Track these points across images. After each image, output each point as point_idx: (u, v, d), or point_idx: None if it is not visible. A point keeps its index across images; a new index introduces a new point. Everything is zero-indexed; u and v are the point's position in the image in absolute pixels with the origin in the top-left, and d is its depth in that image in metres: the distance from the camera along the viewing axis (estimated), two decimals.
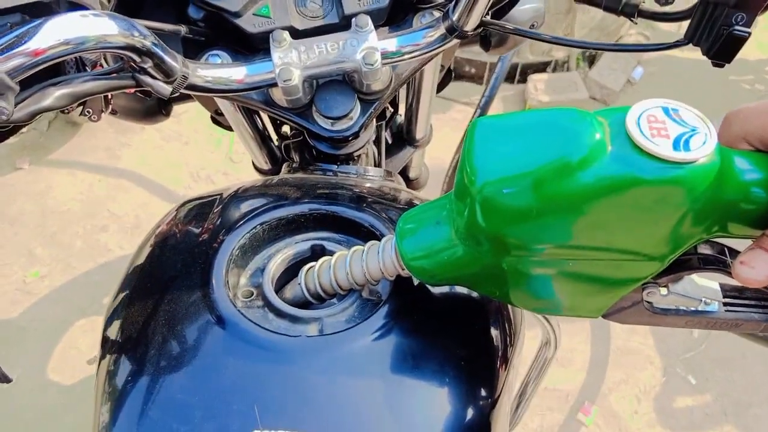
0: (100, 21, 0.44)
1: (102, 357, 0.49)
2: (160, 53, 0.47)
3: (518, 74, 2.40)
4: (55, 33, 0.41)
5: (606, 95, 2.35)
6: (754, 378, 1.65)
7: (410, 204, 0.60)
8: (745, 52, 2.66)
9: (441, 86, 0.87)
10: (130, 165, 2.14)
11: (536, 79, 2.34)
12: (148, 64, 0.47)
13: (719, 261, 0.39)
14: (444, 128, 2.23)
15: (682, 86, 2.41)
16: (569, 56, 2.44)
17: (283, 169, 0.83)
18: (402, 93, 0.85)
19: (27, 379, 1.63)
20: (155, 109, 0.72)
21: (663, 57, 2.55)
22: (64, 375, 1.65)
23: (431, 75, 0.75)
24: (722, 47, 0.43)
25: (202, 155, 2.18)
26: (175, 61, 0.49)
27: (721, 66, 0.45)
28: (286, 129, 0.87)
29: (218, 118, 0.83)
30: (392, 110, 0.89)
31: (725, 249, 0.40)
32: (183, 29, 0.58)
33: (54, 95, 0.45)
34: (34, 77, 0.42)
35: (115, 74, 0.48)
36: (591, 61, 2.48)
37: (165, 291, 0.48)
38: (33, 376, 1.64)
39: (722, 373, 1.66)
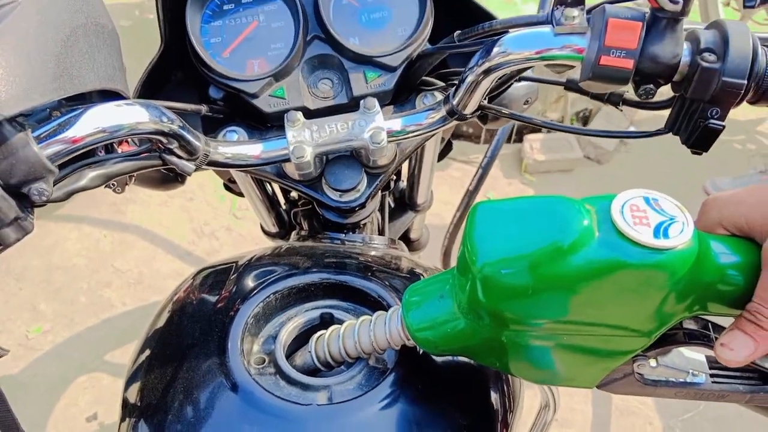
0: (133, 110, 0.48)
1: (122, 420, 0.51)
2: (186, 135, 0.52)
3: (514, 134, 2.47)
4: (93, 122, 0.46)
5: (600, 155, 2.42)
6: None
7: (413, 273, 0.63)
8: (736, 113, 2.73)
9: (442, 155, 0.91)
10: (135, 220, 2.18)
11: (532, 139, 2.41)
12: (174, 145, 0.52)
13: (703, 336, 0.42)
14: (442, 186, 2.28)
15: (673, 147, 2.46)
16: (564, 117, 2.51)
17: (292, 236, 0.87)
18: (405, 162, 0.90)
19: None
20: (172, 177, 0.76)
21: (655, 117, 2.62)
22: None
23: (433, 147, 0.80)
24: (699, 138, 0.48)
25: (206, 211, 2.22)
26: (198, 140, 0.54)
27: (699, 154, 0.49)
28: (294, 195, 0.91)
29: (230, 185, 0.88)
30: (395, 178, 0.94)
31: (709, 324, 0.43)
32: (204, 108, 0.63)
33: (89, 176, 0.48)
34: (69, 159, 0.46)
35: (143, 154, 0.52)
36: (585, 122, 2.56)
37: (183, 357, 0.50)
38: None
39: None
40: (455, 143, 1.03)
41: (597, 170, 2.41)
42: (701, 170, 2.36)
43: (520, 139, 2.47)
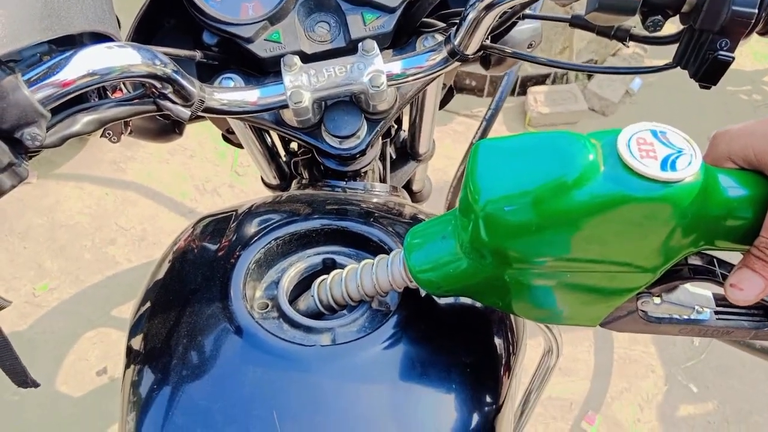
0: (125, 52, 0.47)
1: (126, 367, 0.51)
2: (180, 80, 0.50)
3: (518, 87, 2.44)
4: (84, 64, 0.44)
5: (605, 106, 2.38)
6: (754, 385, 1.67)
7: (415, 218, 0.62)
8: (742, 63, 2.69)
9: (443, 103, 0.90)
10: (137, 178, 2.17)
11: (536, 92, 2.38)
12: (168, 90, 0.50)
13: (709, 271, 0.42)
14: (446, 140, 2.26)
15: (680, 97, 2.44)
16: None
17: (293, 186, 0.86)
18: (406, 110, 0.88)
19: (37, 391, 1.65)
20: (169, 128, 0.75)
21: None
22: (73, 387, 1.67)
23: (434, 93, 0.78)
24: (708, 71, 0.46)
25: (207, 168, 2.21)
26: (192, 86, 0.52)
27: (708, 88, 0.48)
28: (294, 146, 0.90)
29: (229, 137, 0.86)
30: (396, 127, 0.92)
31: (714, 260, 0.43)
32: (198, 54, 0.61)
33: (82, 121, 0.47)
34: (62, 104, 0.45)
35: (137, 100, 0.51)
36: (590, 74, 2.51)
37: (186, 303, 0.50)
38: (43, 388, 1.66)
39: (723, 381, 1.68)
40: (458, 96, 1.02)
41: (602, 122, 2.38)
42: (707, 121, 2.33)
43: (523, 92, 2.43)
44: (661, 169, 0.35)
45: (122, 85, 0.60)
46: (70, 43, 0.50)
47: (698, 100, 2.42)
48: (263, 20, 0.61)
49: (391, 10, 0.62)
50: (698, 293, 0.45)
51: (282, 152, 0.91)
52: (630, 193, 0.35)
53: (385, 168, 0.86)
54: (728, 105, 2.45)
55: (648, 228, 0.37)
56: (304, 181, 0.82)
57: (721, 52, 0.45)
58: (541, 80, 2.44)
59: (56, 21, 0.45)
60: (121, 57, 0.46)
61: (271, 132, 0.85)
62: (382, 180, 0.86)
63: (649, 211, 0.36)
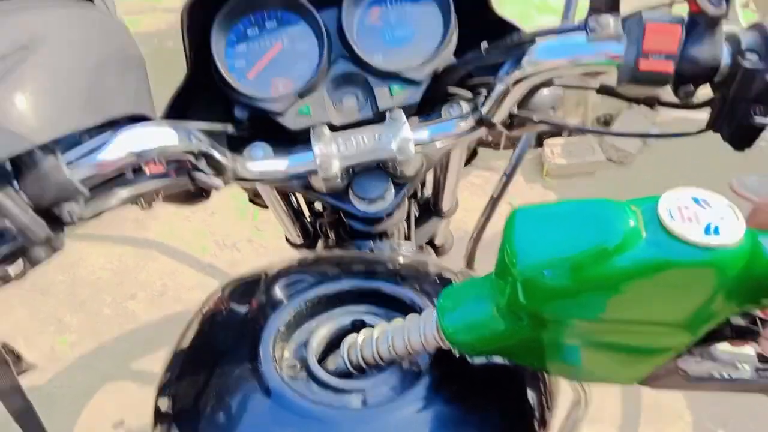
0: (162, 131, 0.49)
1: (154, 427, 0.51)
2: (214, 154, 0.52)
3: (535, 139, 2.45)
4: (123, 146, 0.46)
5: (622, 157, 2.38)
6: None
7: (442, 277, 0.62)
8: None
9: (467, 161, 0.90)
10: (158, 235, 2.19)
11: (552, 143, 2.39)
12: (202, 163, 0.52)
13: (751, 331, 0.41)
14: (464, 192, 2.27)
15: (698, 146, 2.43)
16: (584, 121, 2.49)
17: (319, 245, 0.87)
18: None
19: None
20: (198, 192, 0.76)
21: (677, 117, 2.58)
22: None
23: (459, 154, 0.79)
24: (743, 136, 0.47)
25: (228, 224, 2.23)
26: (225, 158, 0.54)
27: (742, 150, 0.48)
28: (318, 206, 0.91)
29: (255, 199, 0.88)
30: (420, 185, 0.93)
31: (757, 319, 0.42)
32: (229, 128, 0.63)
33: (118, 195, 0.49)
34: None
35: (171, 172, 0.52)
36: (606, 124, 2.53)
37: (215, 365, 0.51)
38: None
39: (752, 425, 1.62)
40: None
41: (619, 173, 2.38)
42: (725, 169, 2.31)
43: (540, 144, 2.44)
44: (704, 233, 0.35)
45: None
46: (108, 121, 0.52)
47: (715, 148, 2.41)
48: (293, 95, 0.63)
49: (417, 83, 0.64)
50: (738, 350, 0.44)
51: (306, 212, 0.92)
52: (674, 258, 0.35)
53: (409, 226, 0.86)
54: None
55: (691, 292, 0.37)
56: (330, 242, 0.83)
57: (757, 118, 0.46)
58: (557, 132, 2.46)
59: (98, 109, 0.46)
60: (158, 137, 0.48)
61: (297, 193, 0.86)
62: (407, 237, 0.87)
63: (692, 275, 0.36)
